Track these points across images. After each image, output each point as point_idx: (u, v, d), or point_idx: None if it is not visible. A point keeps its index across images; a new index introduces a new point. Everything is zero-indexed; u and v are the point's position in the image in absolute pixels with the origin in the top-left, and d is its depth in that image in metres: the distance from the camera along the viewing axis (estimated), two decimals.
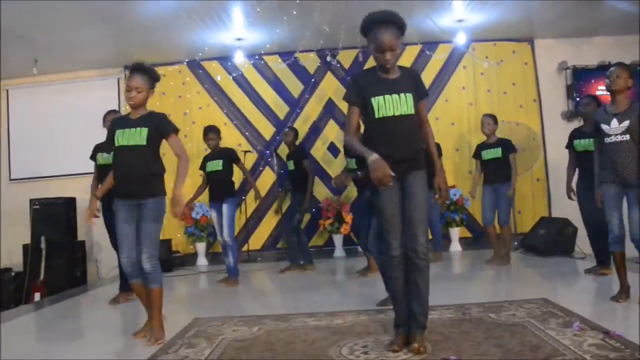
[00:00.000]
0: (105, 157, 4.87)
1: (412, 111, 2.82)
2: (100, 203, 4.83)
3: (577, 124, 7.59)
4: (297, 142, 6.42)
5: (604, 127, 3.67)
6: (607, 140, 3.66)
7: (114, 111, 5.27)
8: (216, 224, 5.57)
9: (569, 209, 6.97)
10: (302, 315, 3.78)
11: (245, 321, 3.70)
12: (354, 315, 3.70)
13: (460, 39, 6.82)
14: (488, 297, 4.15)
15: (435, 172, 2.94)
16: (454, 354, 2.71)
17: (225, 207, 5.47)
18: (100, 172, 4.88)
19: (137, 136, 3.26)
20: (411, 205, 2.81)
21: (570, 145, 5.15)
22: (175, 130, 3.39)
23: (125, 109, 7.66)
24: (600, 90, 7.58)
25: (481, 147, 5.88)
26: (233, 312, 4.11)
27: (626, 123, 3.58)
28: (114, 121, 3.50)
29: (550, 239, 6.29)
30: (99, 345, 3.40)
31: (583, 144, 4.93)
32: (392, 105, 2.80)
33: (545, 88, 7.76)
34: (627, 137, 3.59)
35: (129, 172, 3.28)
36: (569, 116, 7.66)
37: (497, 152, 5.70)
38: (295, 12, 6.08)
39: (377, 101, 2.81)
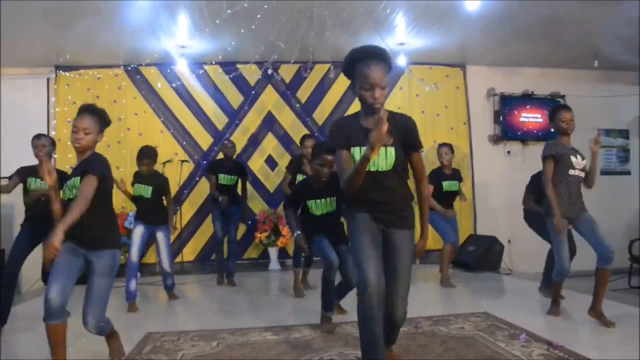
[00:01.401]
0: (40, 183, 4.53)
1: (391, 167, 2.54)
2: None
3: (502, 147, 8.21)
4: (235, 154, 6.46)
5: (573, 159, 3.94)
6: (571, 172, 3.94)
7: (36, 136, 4.71)
8: (138, 240, 5.06)
9: (492, 227, 7.52)
10: (258, 330, 3.81)
11: (201, 336, 3.67)
12: (309, 329, 3.78)
13: (401, 61, 7.13)
14: (433, 311, 4.36)
15: (420, 234, 2.74)
16: None
17: (159, 235, 5.20)
18: (28, 196, 4.58)
19: (74, 187, 2.93)
20: (392, 269, 2.56)
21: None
22: (96, 173, 2.86)
23: (56, 111, 7.37)
24: (524, 117, 8.21)
25: (441, 177, 5.81)
26: (184, 327, 4.05)
27: (584, 162, 3.96)
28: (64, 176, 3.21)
29: (479, 256, 6.68)
30: None
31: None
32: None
33: (474, 112, 8.26)
34: (583, 174, 3.98)
35: (78, 226, 2.75)
36: (495, 139, 8.19)
37: (455, 185, 5.85)
38: (244, 22, 6.10)
39: (354, 152, 2.56)
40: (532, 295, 4.99)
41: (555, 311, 4.08)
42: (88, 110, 3.02)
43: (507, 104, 8.20)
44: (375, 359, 2.39)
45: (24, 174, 4.67)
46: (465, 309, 4.38)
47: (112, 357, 3.18)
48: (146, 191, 5.11)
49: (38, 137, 4.69)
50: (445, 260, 5.69)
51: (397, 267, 2.56)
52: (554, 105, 4.53)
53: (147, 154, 5.13)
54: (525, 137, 8.19)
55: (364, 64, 2.48)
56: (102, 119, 3.04)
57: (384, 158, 2.52)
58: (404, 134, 2.57)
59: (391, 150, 2.53)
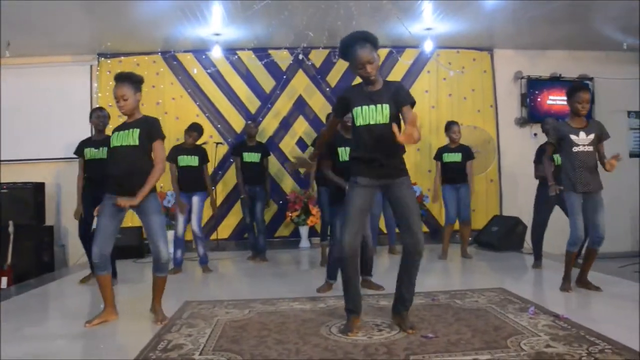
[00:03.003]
0: (93, 152, 5.09)
1: (387, 120, 3.10)
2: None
3: (528, 129, 8.30)
4: (267, 137, 6.79)
5: (573, 137, 4.16)
6: (575, 149, 4.16)
7: (99, 108, 5.44)
8: (182, 217, 5.73)
9: (518, 209, 7.66)
10: (287, 300, 4.15)
11: (234, 304, 4.03)
12: (334, 300, 4.10)
13: (428, 46, 7.30)
14: (452, 286, 4.65)
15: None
16: (431, 333, 3.15)
17: (195, 199, 5.76)
18: (88, 166, 5.12)
19: (129, 137, 3.52)
20: (403, 211, 3.17)
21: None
22: (162, 138, 3.59)
23: (99, 96, 7.81)
24: (551, 99, 8.27)
25: (444, 150, 6.31)
26: (218, 297, 4.41)
27: (592, 136, 4.14)
28: (115, 128, 3.69)
29: (503, 236, 6.88)
30: (105, 328, 3.64)
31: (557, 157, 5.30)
32: (368, 114, 3.14)
33: (501, 95, 8.36)
34: (592, 148, 4.15)
35: (122, 170, 3.50)
36: (521, 122, 8.30)
37: (457, 157, 6.19)
38: (275, 12, 6.37)
39: (356, 111, 3.18)
40: (551, 273, 5.16)
41: (568, 287, 4.28)
42: (118, 78, 3.57)
43: (534, 86, 8.27)
44: (352, 304, 3.28)
45: (81, 148, 5.21)
46: (483, 285, 4.62)
47: (156, 319, 3.59)
48: (193, 160, 5.77)
49: (101, 109, 5.39)
50: (445, 237, 6.32)
51: (407, 206, 3.16)
52: (572, 84, 4.65)
53: (196, 128, 5.87)
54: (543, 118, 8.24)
55: (353, 48, 3.10)
56: (134, 81, 3.58)
57: (380, 112, 3.13)
58: (395, 92, 3.15)
59: (386, 106, 3.13)
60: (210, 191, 6.07)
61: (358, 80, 3.32)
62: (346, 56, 3.18)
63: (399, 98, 3.14)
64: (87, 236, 4.99)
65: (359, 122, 3.17)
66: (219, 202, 7.83)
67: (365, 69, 3.10)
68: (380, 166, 3.16)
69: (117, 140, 3.56)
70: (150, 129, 3.55)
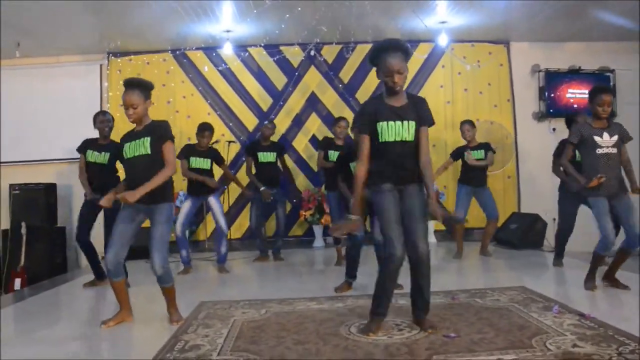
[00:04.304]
0: (95, 155, 5.05)
1: (413, 138, 3.14)
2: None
3: (547, 124, 8.22)
4: (279, 135, 6.88)
5: (597, 139, 4.09)
6: (599, 151, 4.09)
7: (102, 112, 5.38)
8: (183, 216, 5.70)
9: (537, 205, 7.59)
10: (304, 300, 4.14)
11: (250, 304, 4.03)
12: (352, 299, 4.09)
13: (442, 40, 7.25)
14: (471, 285, 4.61)
15: (427, 200, 3.15)
16: (453, 332, 3.12)
17: (213, 201, 5.75)
18: (89, 169, 5.06)
19: (141, 147, 3.51)
20: (409, 215, 3.14)
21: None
22: (172, 139, 3.58)
23: (109, 95, 7.85)
24: (571, 93, 8.18)
25: (463, 148, 6.20)
26: (234, 297, 4.40)
27: (615, 137, 4.08)
28: (123, 137, 3.68)
29: (522, 233, 6.83)
30: (121, 329, 3.66)
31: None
32: (394, 131, 3.12)
33: (518, 89, 8.29)
34: (616, 149, 4.09)
35: (138, 180, 3.45)
36: (539, 117, 8.22)
37: (480, 154, 6.11)
38: (286, 8, 6.37)
39: (381, 126, 3.13)
40: (573, 271, 5.09)
41: (592, 285, 4.21)
42: (129, 85, 3.53)
43: (553, 80, 8.19)
44: (385, 309, 3.18)
45: (84, 148, 5.15)
46: (504, 284, 4.58)
47: (171, 320, 3.60)
48: (206, 163, 5.74)
49: (104, 113, 5.32)
50: (457, 236, 6.30)
51: (412, 214, 3.14)
52: (594, 85, 4.59)
53: (207, 127, 5.79)
54: (571, 113, 8.14)
55: (385, 54, 3.08)
56: (144, 88, 3.55)
57: (407, 129, 3.13)
58: (419, 109, 3.18)
59: (413, 124, 3.14)
60: (235, 178, 6.38)
61: (371, 79, 3.31)
62: (375, 60, 3.16)
63: (422, 115, 3.18)
64: (86, 241, 4.99)
65: (384, 138, 3.14)
66: (231, 201, 7.84)
67: (393, 78, 3.07)
68: (402, 176, 3.18)
69: (130, 152, 3.55)
70: (160, 133, 3.54)
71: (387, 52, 3.07)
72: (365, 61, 8.03)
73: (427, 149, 3.21)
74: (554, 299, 3.88)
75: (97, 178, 4.99)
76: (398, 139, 3.12)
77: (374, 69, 3.23)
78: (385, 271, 3.15)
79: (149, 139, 3.50)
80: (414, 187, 3.18)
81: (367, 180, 3.23)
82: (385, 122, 3.12)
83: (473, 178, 6.09)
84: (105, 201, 3.57)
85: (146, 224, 3.61)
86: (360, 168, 3.20)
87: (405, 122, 3.12)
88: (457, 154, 6.26)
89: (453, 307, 3.78)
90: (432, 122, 3.24)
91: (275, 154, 6.42)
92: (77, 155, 5.15)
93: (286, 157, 6.76)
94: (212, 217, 5.97)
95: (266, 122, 6.79)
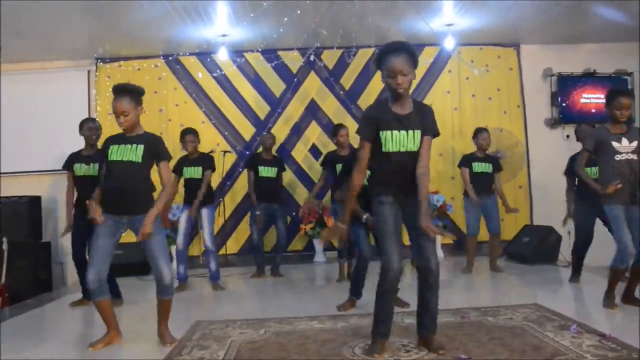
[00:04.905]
0: (84, 168, 5.04)
1: (417, 147, 3.15)
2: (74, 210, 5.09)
3: (560, 131, 8.21)
4: (278, 144, 6.88)
5: (615, 145, 4.08)
6: (618, 157, 4.08)
7: (90, 119, 5.41)
8: (183, 227, 5.73)
9: (550, 217, 7.54)
10: (305, 319, 4.12)
11: (248, 324, 4.01)
12: (355, 318, 4.07)
13: (449, 43, 7.27)
14: (482, 302, 4.59)
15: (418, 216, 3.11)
16: (463, 353, 3.10)
17: (204, 213, 5.75)
18: (78, 183, 5.07)
19: (132, 153, 3.52)
20: (417, 228, 3.10)
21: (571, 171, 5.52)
22: (169, 158, 3.64)
23: (98, 103, 7.85)
24: (585, 98, 8.18)
25: (473, 159, 6.22)
26: (231, 316, 4.38)
27: (635, 143, 4.06)
28: (108, 139, 3.68)
29: (535, 247, 6.79)
30: (109, 351, 3.62)
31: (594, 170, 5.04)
32: (399, 141, 3.11)
33: (529, 94, 8.30)
34: (636, 156, 4.07)
35: (122, 188, 3.50)
36: (552, 123, 8.22)
37: (487, 168, 6.15)
38: (284, 11, 6.38)
39: (385, 135, 3.11)
40: (591, 288, 5.06)
41: (612, 303, 4.17)
42: (118, 91, 3.53)
43: (566, 84, 8.21)
44: (386, 328, 3.17)
45: (70, 162, 5.13)
46: (516, 301, 4.55)
47: (164, 342, 3.57)
48: (196, 172, 5.69)
49: (92, 120, 5.35)
50: (469, 250, 6.26)
51: (419, 227, 3.09)
52: (611, 88, 4.58)
53: (188, 131, 5.79)
54: (586, 119, 8.09)
55: (388, 56, 3.06)
56: (134, 94, 3.55)
57: (412, 139, 3.13)
58: (424, 118, 3.18)
59: (418, 133, 3.14)
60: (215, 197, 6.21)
61: (374, 85, 3.29)
62: (380, 63, 3.14)
63: (427, 126, 3.18)
64: (82, 259, 4.94)
65: (388, 148, 3.13)
66: (227, 214, 7.81)
67: (396, 79, 3.02)
68: (401, 187, 3.18)
69: (116, 155, 3.54)
70: (157, 149, 3.57)
71: (391, 52, 3.07)
72: (367, 66, 8.18)
73: (427, 160, 3.19)
74: (571, 317, 3.85)
75: (90, 191, 4.92)
76: (402, 149, 3.12)
77: (378, 73, 3.24)
78: (383, 285, 3.14)
79: (142, 147, 3.52)
80: (417, 199, 3.17)
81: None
82: (389, 132, 3.11)
83: (479, 189, 6.08)
84: (98, 217, 3.52)
85: (126, 238, 3.61)
86: (356, 176, 3.21)
87: (411, 132, 3.12)
88: (465, 161, 6.24)
89: (463, 326, 3.75)
90: (437, 133, 3.26)
91: (276, 169, 6.49)
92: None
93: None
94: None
95: (265, 133, 6.84)
